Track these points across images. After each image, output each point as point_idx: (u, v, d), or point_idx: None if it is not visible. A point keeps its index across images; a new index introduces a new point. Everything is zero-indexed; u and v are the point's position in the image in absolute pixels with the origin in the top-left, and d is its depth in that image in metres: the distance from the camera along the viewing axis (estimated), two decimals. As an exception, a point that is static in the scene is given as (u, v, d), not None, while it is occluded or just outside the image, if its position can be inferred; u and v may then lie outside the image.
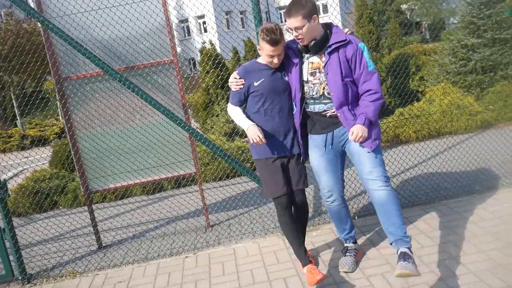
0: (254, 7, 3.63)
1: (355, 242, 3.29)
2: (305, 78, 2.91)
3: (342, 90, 2.80)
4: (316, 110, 2.95)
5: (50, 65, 3.82)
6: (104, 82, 3.86)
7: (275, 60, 2.89)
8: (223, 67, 8.66)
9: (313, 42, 2.81)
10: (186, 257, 3.76)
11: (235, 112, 3.03)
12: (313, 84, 2.90)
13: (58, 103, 3.87)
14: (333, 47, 2.79)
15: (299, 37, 2.79)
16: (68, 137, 3.95)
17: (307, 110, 3.00)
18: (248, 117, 3.04)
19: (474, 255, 3.08)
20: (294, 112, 3.03)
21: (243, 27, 36.98)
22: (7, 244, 3.66)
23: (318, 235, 3.77)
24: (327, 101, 2.89)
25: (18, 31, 14.40)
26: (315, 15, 2.76)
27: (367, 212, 4.07)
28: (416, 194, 4.26)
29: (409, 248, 2.77)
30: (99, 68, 3.59)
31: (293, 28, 2.77)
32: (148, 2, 3.78)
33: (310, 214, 4.16)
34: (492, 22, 7.67)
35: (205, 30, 33.42)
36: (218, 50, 9.43)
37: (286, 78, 3.00)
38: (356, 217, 3.99)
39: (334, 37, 2.81)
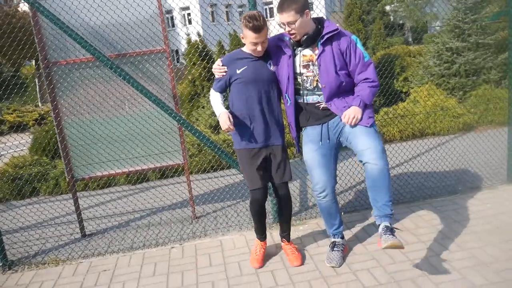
0: (250, 0, 3.61)
1: (342, 237, 3.31)
2: (298, 71, 2.93)
3: (335, 82, 2.83)
4: (310, 101, 2.96)
5: (38, 49, 3.72)
6: (95, 69, 3.79)
7: (259, 48, 2.89)
8: (210, 60, 8.60)
9: (305, 36, 2.82)
10: (172, 247, 3.74)
11: (214, 98, 3.06)
12: (306, 76, 2.92)
13: (46, 89, 3.77)
14: (326, 37, 2.80)
15: (292, 32, 2.80)
16: (55, 123, 3.87)
17: (299, 102, 3.01)
18: (232, 105, 3.06)
19: (457, 253, 3.16)
20: (287, 105, 3.03)
21: (228, 20, 36.82)
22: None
23: (305, 230, 3.80)
24: (320, 92, 2.92)
25: (-2, 14, 13.99)
26: (307, 10, 2.78)
27: (354, 208, 4.13)
28: (402, 192, 4.34)
29: (391, 224, 2.82)
30: (90, 54, 3.52)
31: (285, 23, 2.78)
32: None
33: (297, 209, 4.22)
34: (476, 27, 7.85)
35: (190, 22, 33.15)
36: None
37: (272, 68, 3.00)
38: (343, 213, 4.03)
39: (326, 29, 2.83)
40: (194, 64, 8.80)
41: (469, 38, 7.75)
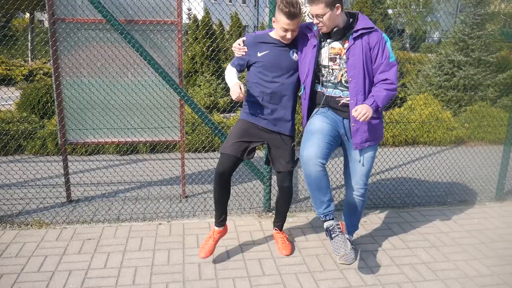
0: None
1: (333, 218, 2.91)
2: (324, 63, 2.86)
3: (362, 76, 2.75)
4: (332, 95, 2.90)
5: (46, 2, 3.58)
6: (104, 32, 3.66)
7: (288, 35, 2.82)
8: (215, 39, 8.47)
9: (336, 28, 2.75)
10: (160, 224, 3.69)
11: (229, 71, 2.93)
12: (332, 69, 2.84)
13: (50, 46, 3.63)
14: (359, 32, 2.72)
15: (320, 24, 2.73)
16: (54, 82, 3.74)
17: (320, 91, 2.94)
18: (248, 86, 3.00)
19: (443, 263, 3.20)
20: (303, 95, 2.98)
21: (230, 1, 36.35)
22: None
23: (294, 222, 3.79)
24: (343, 88, 2.85)
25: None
26: (338, 4, 2.69)
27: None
28: (392, 197, 4.37)
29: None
30: (102, 15, 3.40)
31: (314, 15, 2.71)
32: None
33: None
34: (481, 43, 7.90)
35: (192, -3, 32.59)
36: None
37: (294, 57, 2.93)
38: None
39: (361, 23, 2.75)
40: (196, 40, 8.65)
41: (472, 53, 7.80)
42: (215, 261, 3.14)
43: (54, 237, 3.41)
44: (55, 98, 3.80)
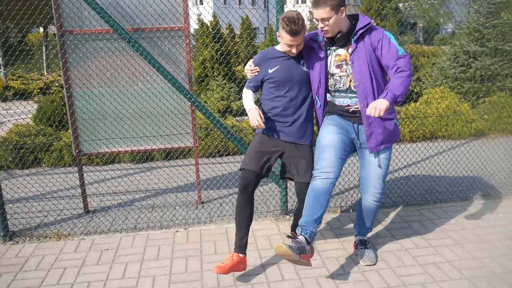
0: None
1: (307, 240, 2.68)
2: (331, 71, 2.83)
3: (369, 79, 2.69)
4: (340, 104, 2.86)
5: (55, 16, 3.59)
6: (112, 41, 3.66)
7: (294, 50, 2.82)
8: (223, 42, 8.45)
9: (339, 34, 2.72)
10: (177, 231, 3.66)
11: (245, 94, 3.00)
12: (339, 76, 2.81)
13: (60, 57, 3.65)
14: (359, 33, 2.68)
15: (325, 28, 2.69)
16: (65, 94, 3.76)
17: (328, 100, 2.93)
18: (263, 103, 3.01)
19: (468, 261, 3.09)
20: (317, 107, 2.96)
21: (239, 4, 36.43)
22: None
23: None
24: (352, 95, 2.80)
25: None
26: (343, 8, 2.66)
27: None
28: (412, 194, 4.27)
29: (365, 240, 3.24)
30: (109, 25, 3.40)
31: (319, 19, 2.67)
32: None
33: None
34: (496, 32, 7.71)
35: (201, 2, 32.80)
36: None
37: (305, 68, 2.92)
38: (351, 210, 3.97)
39: (360, 24, 2.71)
40: (206, 45, 8.65)
41: (488, 43, 7.62)
42: (233, 268, 3.09)
43: (73, 249, 3.41)
44: (67, 110, 3.82)
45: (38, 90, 12.22)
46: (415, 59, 9.39)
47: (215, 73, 8.57)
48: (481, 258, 3.13)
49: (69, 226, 3.78)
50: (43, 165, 5.67)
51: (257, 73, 2.94)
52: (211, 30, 8.36)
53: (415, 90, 8.86)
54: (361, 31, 2.68)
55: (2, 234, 3.53)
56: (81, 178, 4.01)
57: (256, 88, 3.00)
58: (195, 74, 9.01)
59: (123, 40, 3.49)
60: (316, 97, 2.92)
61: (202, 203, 4.23)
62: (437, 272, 2.97)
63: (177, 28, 3.72)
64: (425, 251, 3.25)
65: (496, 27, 7.65)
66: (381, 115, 2.51)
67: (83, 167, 5.51)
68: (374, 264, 3.06)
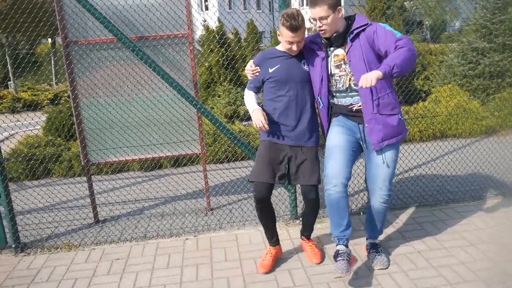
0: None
1: (347, 246, 2.93)
2: (330, 72, 2.83)
3: None
4: (343, 104, 2.84)
5: (59, 27, 3.62)
6: (116, 50, 3.67)
7: (294, 47, 2.79)
8: (228, 47, 8.46)
9: (335, 34, 2.72)
10: (187, 239, 3.65)
11: (247, 96, 3.00)
12: (339, 76, 2.80)
13: (66, 68, 3.67)
14: (355, 32, 2.68)
15: (322, 27, 2.69)
16: (72, 104, 3.78)
17: (331, 102, 2.92)
18: (265, 104, 2.97)
19: (483, 262, 3.03)
20: (320, 107, 2.93)
21: (244, 8, 36.52)
22: (1, 210, 3.52)
23: (322, 229, 3.68)
24: (353, 93, 2.79)
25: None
26: (340, 7, 2.69)
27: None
28: (423, 195, 4.21)
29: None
30: (113, 34, 3.40)
31: (317, 18, 2.67)
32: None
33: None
34: (504, 27, 7.61)
35: (206, 8, 32.93)
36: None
37: (306, 68, 2.89)
38: (362, 213, 3.92)
39: (356, 24, 2.71)
40: (211, 51, 8.66)
41: (496, 39, 7.52)
42: (243, 274, 3.07)
43: (83, 259, 3.41)
44: (74, 120, 3.83)
45: (48, 101, 12.33)
46: (422, 58, 9.29)
47: (221, 78, 8.56)
48: (496, 259, 3.07)
49: (80, 236, 3.79)
50: (54, 175, 5.70)
51: (258, 74, 2.90)
52: (216, 35, 8.35)
53: (424, 89, 8.79)
54: (357, 30, 2.68)
55: (13, 246, 3.55)
56: (90, 188, 4.02)
57: (257, 89, 2.98)
58: (202, 80, 9.02)
59: (127, 48, 3.50)
60: (319, 98, 2.90)
61: (212, 209, 4.22)
62: (451, 274, 2.91)
63: (181, 34, 3.72)
64: (438, 253, 3.20)
65: (504, 23, 7.55)
66: (372, 84, 2.38)
67: (92, 176, 5.54)
68: (386, 268, 3.02)
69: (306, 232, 3.26)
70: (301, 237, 3.31)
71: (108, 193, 4.90)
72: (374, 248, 3.15)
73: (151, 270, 3.19)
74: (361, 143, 2.90)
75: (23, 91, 12.90)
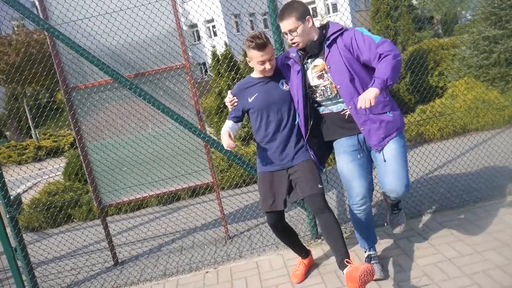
0: (270, 5, 3.41)
1: (375, 250, 3.11)
2: (314, 83, 2.75)
3: (348, 79, 2.61)
4: (335, 111, 2.76)
5: (57, 74, 3.65)
6: (114, 91, 3.68)
7: (267, 66, 2.76)
8: (238, 70, 8.46)
9: (309, 42, 2.67)
10: (207, 272, 3.54)
11: (225, 124, 2.93)
12: (324, 86, 2.74)
13: (68, 114, 3.69)
14: (331, 38, 2.63)
15: (294, 40, 2.65)
16: (79, 149, 3.78)
17: (323, 113, 2.81)
18: (254, 132, 2.97)
19: (521, 264, 2.81)
20: (296, 122, 2.86)
21: (252, 29, 36.90)
22: (19, 264, 3.50)
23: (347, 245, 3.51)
24: (342, 99, 2.71)
25: (29, 42, 14.31)
26: (308, 17, 2.65)
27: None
28: (448, 197, 3.99)
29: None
30: (108, 75, 3.40)
31: (287, 32, 2.65)
32: (157, 4, 3.59)
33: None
34: (514, 11, 7.34)
35: (215, 34, 33.42)
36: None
37: (285, 87, 2.85)
38: (386, 224, 3.73)
39: (331, 30, 2.67)
40: (220, 75, 8.66)
41: (507, 25, 7.25)
42: (266, 304, 2.94)
43: (103, 305, 3.34)
44: (82, 164, 3.82)
45: (69, 146, 12.57)
46: (434, 54, 9.05)
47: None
48: (535, 258, 2.84)
49: (99, 282, 3.73)
50: (75, 220, 5.72)
51: (236, 104, 2.90)
52: (222, 60, 8.36)
53: (439, 85, 8.53)
54: (333, 36, 2.64)
55: (33, 299, 3.52)
56: (106, 228, 3.98)
57: (238, 119, 2.95)
58: (215, 106, 9.02)
59: (125, 87, 3.49)
60: (297, 113, 2.84)
61: (230, 238, 4.11)
62: (487, 282, 2.70)
63: (176, 66, 3.69)
64: (470, 258, 2.98)
65: (513, 7, 7.29)
66: (372, 104, 2.38)
67: (113, 216, 5.53)
68: (384, 279, 2.93)
69: (339, 253, 2.73)
70: (338, 267, 2.82)
71: (128, 232, 4.86)
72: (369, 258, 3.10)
73: (171, 310, 3.09)
74: (366, 152, 2.81)
75: (45, 139, 13.21)
